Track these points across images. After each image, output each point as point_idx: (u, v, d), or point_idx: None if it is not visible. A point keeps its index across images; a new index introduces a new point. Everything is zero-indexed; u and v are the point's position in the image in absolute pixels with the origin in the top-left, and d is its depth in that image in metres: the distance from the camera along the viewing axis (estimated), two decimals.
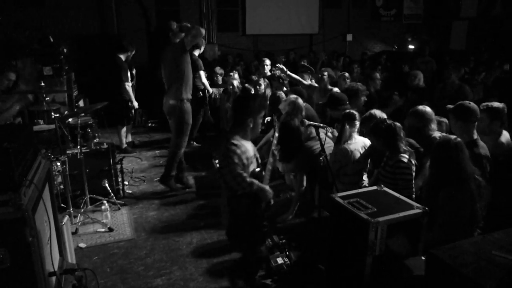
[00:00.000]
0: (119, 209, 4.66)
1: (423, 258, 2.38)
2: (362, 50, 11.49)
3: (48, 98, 4.41)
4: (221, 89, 7.25)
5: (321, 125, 3.31)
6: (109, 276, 3.47)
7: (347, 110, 3.90)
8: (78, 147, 4.33)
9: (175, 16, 10.02)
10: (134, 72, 6.63)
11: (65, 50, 6.31)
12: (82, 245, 3.92)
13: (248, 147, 2.95)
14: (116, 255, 3.79)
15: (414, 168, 3.12)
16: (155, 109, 8.21)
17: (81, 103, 7.11)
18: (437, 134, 3.45)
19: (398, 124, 3.23)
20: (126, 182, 5.21)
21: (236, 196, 2.94)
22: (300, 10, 11.35)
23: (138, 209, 4.71)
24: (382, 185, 2.87)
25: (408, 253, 2.51)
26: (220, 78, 7.45)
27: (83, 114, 4.91)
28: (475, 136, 3.14)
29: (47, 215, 2.74)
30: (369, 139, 3.67)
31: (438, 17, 12.71)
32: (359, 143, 3.74)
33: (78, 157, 4.30)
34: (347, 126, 3.68)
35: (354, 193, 2.75)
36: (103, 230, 4.20)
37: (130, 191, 5.14)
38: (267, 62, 7.43)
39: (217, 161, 5.46)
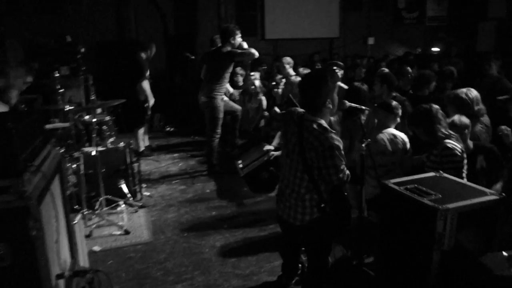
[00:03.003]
0: (136, 211, 4.34)
1: (504, 253, 1.93)
2: (383, 54, 11.09)
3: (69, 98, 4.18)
4: (241, 91, 6.95)
5: (363, 107, 2.91)
6: (125, 281, 3.12)
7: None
8: (94, 144, 4.04)
9: (193, 21, 9.86)
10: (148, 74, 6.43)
11: (82, 49, 6.11)
12: (96, 248, 3.59)
13: None
14: (133, 259, 3.44)
15: (464, 154, 2.75)
16: (173, 114, 8.04)
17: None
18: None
19: (436, 106, 2.90)
20: (144, 184, 4.89)
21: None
22: (320, 14, 11.06)
23: (156, 211, 4.37)
24: (441, 171, 2.44)
25: (481, 248, 2.07)
26: (241, 79, 7.14)
27: (99, 111, 4.66)
28: None
29: (56, 210, 2.44)
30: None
31: (464, 18, 12.22)
32: (389, 133, 3.41)
33: (93, 154, 4.01)
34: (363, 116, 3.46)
35: (410, 179, 2.33)
36: (118, 232, 3.87)
37: (148, 193, 4.80)
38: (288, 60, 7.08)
39: (240, 161, 5.12)
